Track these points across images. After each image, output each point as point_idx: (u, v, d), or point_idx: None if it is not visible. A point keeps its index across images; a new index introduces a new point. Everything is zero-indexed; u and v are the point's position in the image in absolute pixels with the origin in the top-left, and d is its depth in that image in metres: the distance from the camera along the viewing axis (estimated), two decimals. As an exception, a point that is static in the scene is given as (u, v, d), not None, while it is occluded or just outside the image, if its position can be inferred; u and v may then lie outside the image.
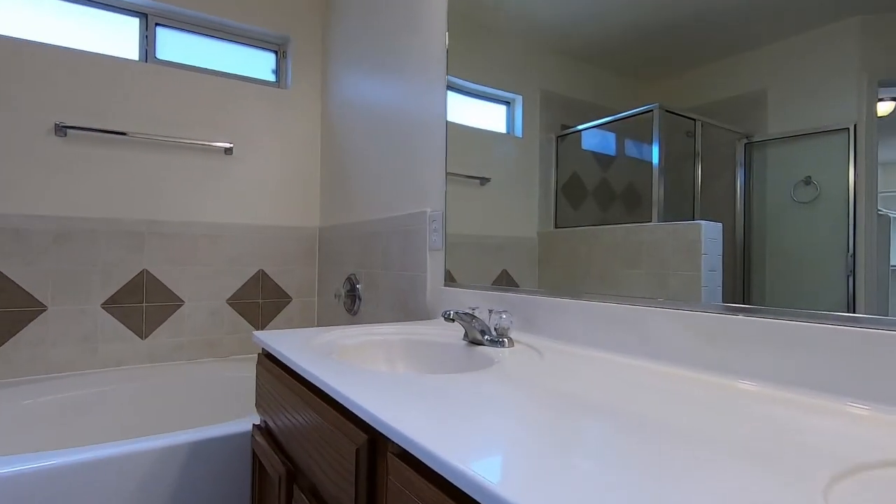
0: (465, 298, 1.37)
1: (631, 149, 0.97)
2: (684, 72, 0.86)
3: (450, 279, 1.46)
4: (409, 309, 1.65)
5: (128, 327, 2.03)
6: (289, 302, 2.40)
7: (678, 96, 0.88)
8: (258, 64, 2.44)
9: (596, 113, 1.03)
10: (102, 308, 1.99)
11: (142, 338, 2.06)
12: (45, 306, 1.89)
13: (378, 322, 1.85)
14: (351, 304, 2.04)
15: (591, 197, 1.04)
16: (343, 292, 2.02)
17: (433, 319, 1.49)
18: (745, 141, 0.78)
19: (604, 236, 1.01)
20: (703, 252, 0.82)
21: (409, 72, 1.70)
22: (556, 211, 1.12)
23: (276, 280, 2.36)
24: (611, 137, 1.01)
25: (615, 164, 1.00)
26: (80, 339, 1.95)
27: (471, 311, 1.16)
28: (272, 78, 2.47)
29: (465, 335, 1.15)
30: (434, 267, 1.53)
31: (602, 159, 1.02)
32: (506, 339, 1.08)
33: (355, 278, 2.04)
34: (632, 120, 0.96)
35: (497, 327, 1.09)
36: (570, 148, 1.09)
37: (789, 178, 0.73)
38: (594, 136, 1.04)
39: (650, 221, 0.91)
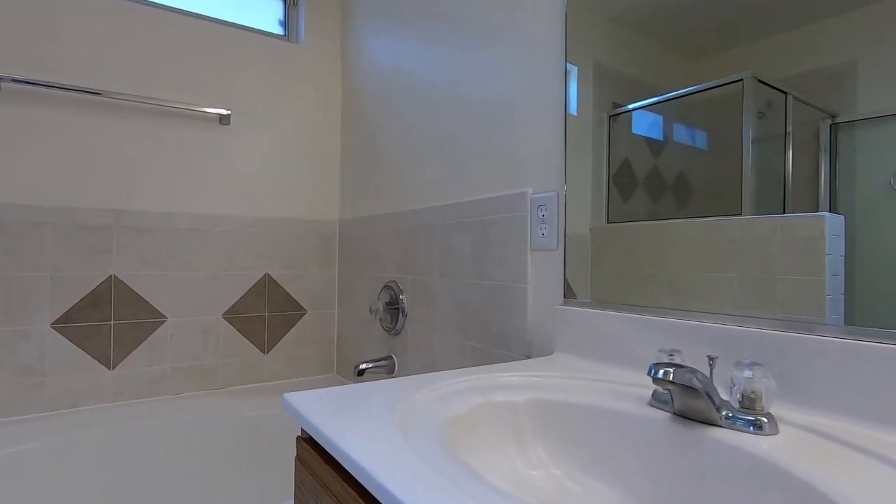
0: (611, 326, 0.87)
1: (695, 132, 0.81)
2: (756, 41, 0.73)
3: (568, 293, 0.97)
4: (491, 334, 1.14)
5: (88, 354, 1.50)
6: (302, 315, 1.88)
7: (748, 69, 0.74)
8: (262, 12, 1.91)
9: (648, 92, 0.87)
10: (52, 328, 1.45)
11: (108, 367, 1.53)
12: (-30, 328, 1.35)
13: (432, 347, 1.35)
14: (391, 320, 1.53)
15: (642, 187, 0.88)
16: (381, 306, 1.51)
17: (545, 356, 0.99)
18: (830, 121, 0.67)
19: (674, 233, 0.83)
20: (826, 252, 0.66)
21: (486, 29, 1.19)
22: (608, 203, 0.93)
23: (285, 287, 1.84)
24: (667, 118, 0.85)
25: (673, 149, 0.84)
26: (18, 371, 1.41)
27: (671, 359, 0.66)
28: (280, 30, 1.94)
29: (657, 399, 0.65)
30: (543, 275, 1.03)
31: (656, 144, 0.86)
32: (763, 419, 0.58)
33: (397, 287, 1.53)
34: (705, 95, 0.79)
35: (746, 393, 0.59)
36: (620, 130, 0.92)
37: (886, 167, 0.62)
38: (646, 118, 0.87)
39: (739, 215, 0.75)
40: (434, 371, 1.35)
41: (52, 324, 1.45)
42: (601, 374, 0.82)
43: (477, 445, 0.66)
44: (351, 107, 1.89)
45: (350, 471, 0.50)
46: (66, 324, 1.47)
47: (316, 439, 0.60)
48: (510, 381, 0.79)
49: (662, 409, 0.65)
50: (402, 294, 1.51)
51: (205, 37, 1.69)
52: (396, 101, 1.58)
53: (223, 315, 1.72)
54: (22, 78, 1.38)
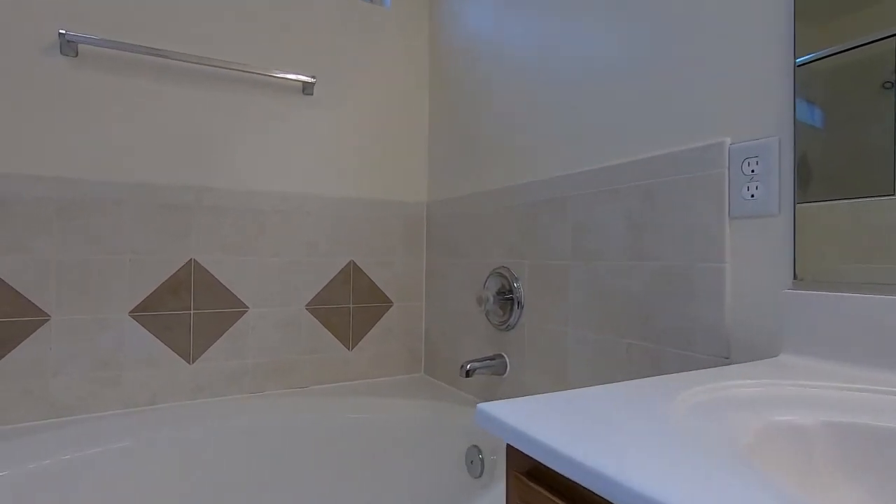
0: (884, 316, 0.61)
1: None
2: None
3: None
4: (658, 330, 0.90)
5: (167, 345, 1.36)
6: (388, 308, 1.69)
7: None
8: (343, -26, 1.73)
9: None
10: (131, 317, 1.32)
11: (188, 361, 1.39)
12: (48, 315, 1.23)
13: (563, 346, 1.12)
14: (503, 313, 1.32)
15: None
16: (491, 296, 1.29)
17: (769, 359, 0.74)
18: None
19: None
20: None
21: None
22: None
23: (370, 276, 1.66)
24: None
25: None
26: (95, 364, 1.28)
27: None
28: (362, -7, 1.77)
29: None
30: (751, 251, 0.78)
31: None
32: None
33: (510, 274, 1.30)
34: None
35: None
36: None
37: None
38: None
39: None
40: (566, 374, 1.12)
41: (131, 311, 1.32)
42: (887, 383, 0.57)
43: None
44: (440, 75, 1.68)
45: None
46: (145, 312, 1.33)
47: (566, 475, 0.38)
48: (756, 394, 0.55)
49: None
50: (516, 282, 1.28)
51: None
52: (502, 61, 1.36)
53: (306, 306, 1.55)
54: (102, 38, 1.25)
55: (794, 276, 0.72)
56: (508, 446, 0.47)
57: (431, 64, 1.75)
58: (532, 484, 0.43)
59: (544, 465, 0.41)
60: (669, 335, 0.88)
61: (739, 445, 0.41)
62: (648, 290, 0.93)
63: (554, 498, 0.40)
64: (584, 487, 0.38)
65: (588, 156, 1.09)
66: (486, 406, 0.46)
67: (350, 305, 1.62)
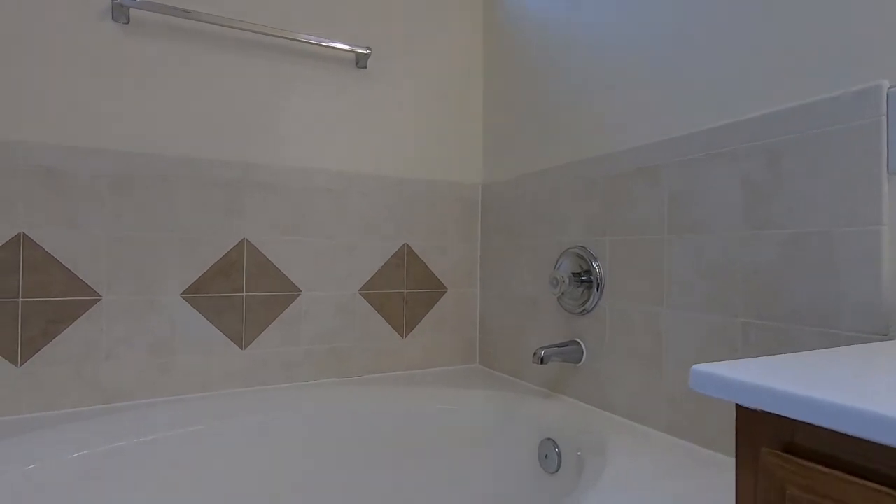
0: None
1: None
2: None
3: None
4: (790, 307, 0.79)
5: (220, 330, 1.29)
6: (443, 294, 1.60)
7: None
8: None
9: None
10: (183, 299, 1.25)
11: (240, 346, 1.31)
12: (99, 295, 1.16)
13: (657, 329, 1.02)
14: (579, 295, 1.22)
15: None
16: (567, 277, 1.19)
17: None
18: None
19: None
20: None
21: None
22: None
23: (424, 261, 1.57)
24: None
25: None
26: (148, 348, 1.21)
27: None
28: (414, -35, 1.68)
29: None
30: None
31: None
32: None
33: (588, 254, 1.21)
34: None
35: None
36: None
37: None
38: None
39: None
40: (660, 359, 1.02)
41: (183, 293, 1.25)
42: None
43: None
44: (498, 48, 1.59)
45: None
46: (197, 294, 1.26)
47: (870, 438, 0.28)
48: None
49: None
50: (594, 262, 1.19)
51: (340, -33, 1.45)
52: (572, 27, 1.26)
53: (360, 291, 1.47)
54: (155, 2, 1.18)
55: None
56: (745, 417, 0.37)
57: (486, 36, 1.66)
58: (804, 462, 0.33)
59: (817, 433, 0.31)
60: (804, 312, 0.78)
61: None
62: (774, 263, 0.82)
63: (848, 477, 0.30)
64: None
65: (687, 118, 0.98)
66: (705, 367, 0.36)
67: (404, 291, 1.53)
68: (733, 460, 0.87)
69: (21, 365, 1.09)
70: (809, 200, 0.78)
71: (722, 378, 0.35)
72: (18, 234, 1.09)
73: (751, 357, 0.84)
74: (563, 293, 1.22)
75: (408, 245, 1.54)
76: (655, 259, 1.03)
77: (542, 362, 1.18)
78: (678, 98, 1.00)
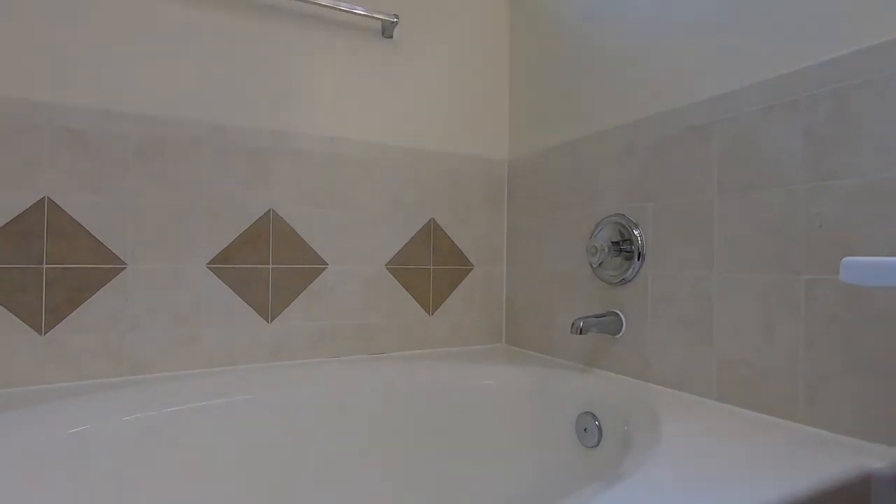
0: None
1: None
2: None
3: None
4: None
5: (246, 302, 1.25)
6: (469, 271, 1.56)
7: None
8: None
9: None
10: (209, 269, 1.21)
11: (267, 320, 1.28)
12: (124, 263, 1.13)
13: (707, 292, 0.98)
14: (619, 264, 1.18)
15: None
16: (607, 245, 1.15)
17: None
18: None
19: None
20: None
21: None
22: None
23: (451, 236, 1.53)
24: None
25: None
26: (174, 319, 1.18)
27: None
28: (438, -64, 1.65)
29: None
30: None
31: None
32: None
33: (628, 221, 1.17)
34: None
35: None
36: None
37: None
38: None
39: None
40: (710, 324, 0.97)
41: (209, 263, 1.21)
42: None
43: None
44: (525, 16, 1.55)
45: None
46: (224, 265, 1.23)
47: None
48: None
49: None
50: (636, 229, 1.15)
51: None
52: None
53: (386, 265, 1.43)
54: (180, -35, 1.15)
55: None
56: None
57: (512, 3, 1.62)
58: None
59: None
60: (878, 262, 0.74)
61: None
62: (843, 214, 0.78)
63: None
64: None
65: (738, 71, 0.94)
66: (857, 259, 0.32)
67: (430, 267, 1.50)
68: (793, 424, 0.83)
69: (45, 333, 1.06)
70: (883, 145, 0.74)
71: (879, 264, 0.31)
72: (43, 198, 1.06)
73: (818, 314, 0.80)
74: (601, 262, 1.18)
75: (434, 220, 1.50)
76: (704, 222, 0.99)
77: (580, 332, 1.14)
78: (728, 53, 0.96)
